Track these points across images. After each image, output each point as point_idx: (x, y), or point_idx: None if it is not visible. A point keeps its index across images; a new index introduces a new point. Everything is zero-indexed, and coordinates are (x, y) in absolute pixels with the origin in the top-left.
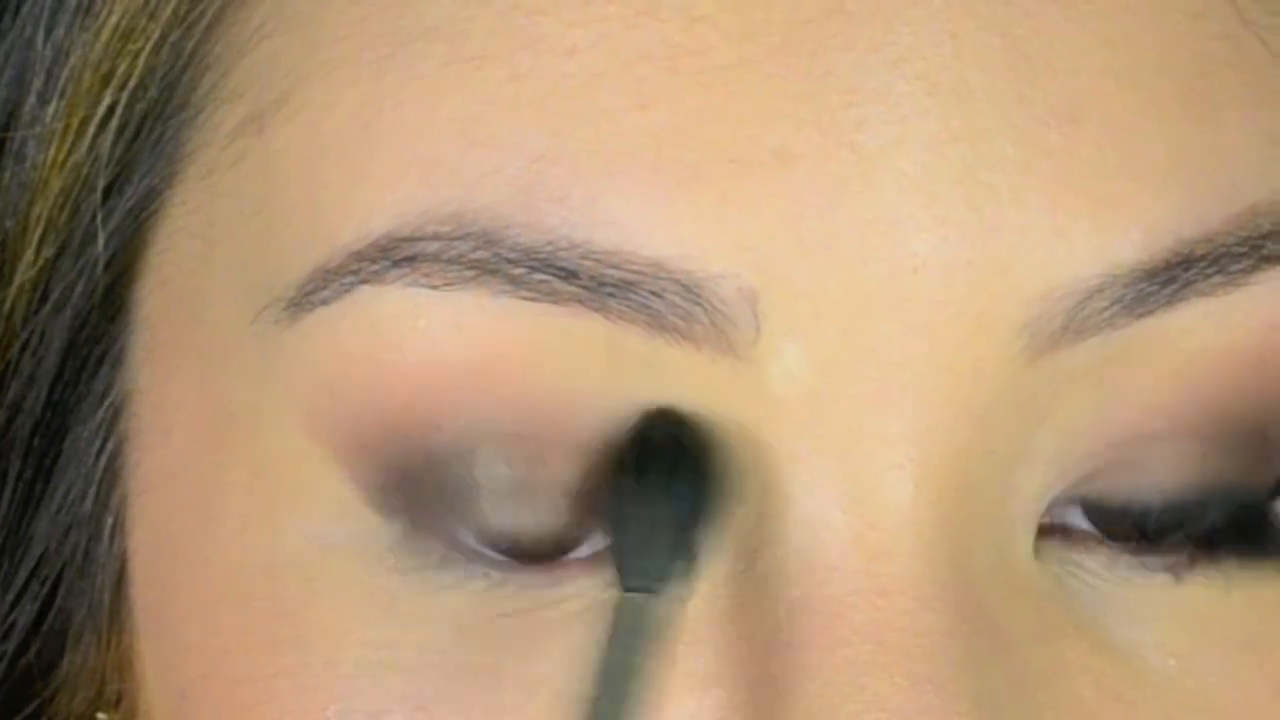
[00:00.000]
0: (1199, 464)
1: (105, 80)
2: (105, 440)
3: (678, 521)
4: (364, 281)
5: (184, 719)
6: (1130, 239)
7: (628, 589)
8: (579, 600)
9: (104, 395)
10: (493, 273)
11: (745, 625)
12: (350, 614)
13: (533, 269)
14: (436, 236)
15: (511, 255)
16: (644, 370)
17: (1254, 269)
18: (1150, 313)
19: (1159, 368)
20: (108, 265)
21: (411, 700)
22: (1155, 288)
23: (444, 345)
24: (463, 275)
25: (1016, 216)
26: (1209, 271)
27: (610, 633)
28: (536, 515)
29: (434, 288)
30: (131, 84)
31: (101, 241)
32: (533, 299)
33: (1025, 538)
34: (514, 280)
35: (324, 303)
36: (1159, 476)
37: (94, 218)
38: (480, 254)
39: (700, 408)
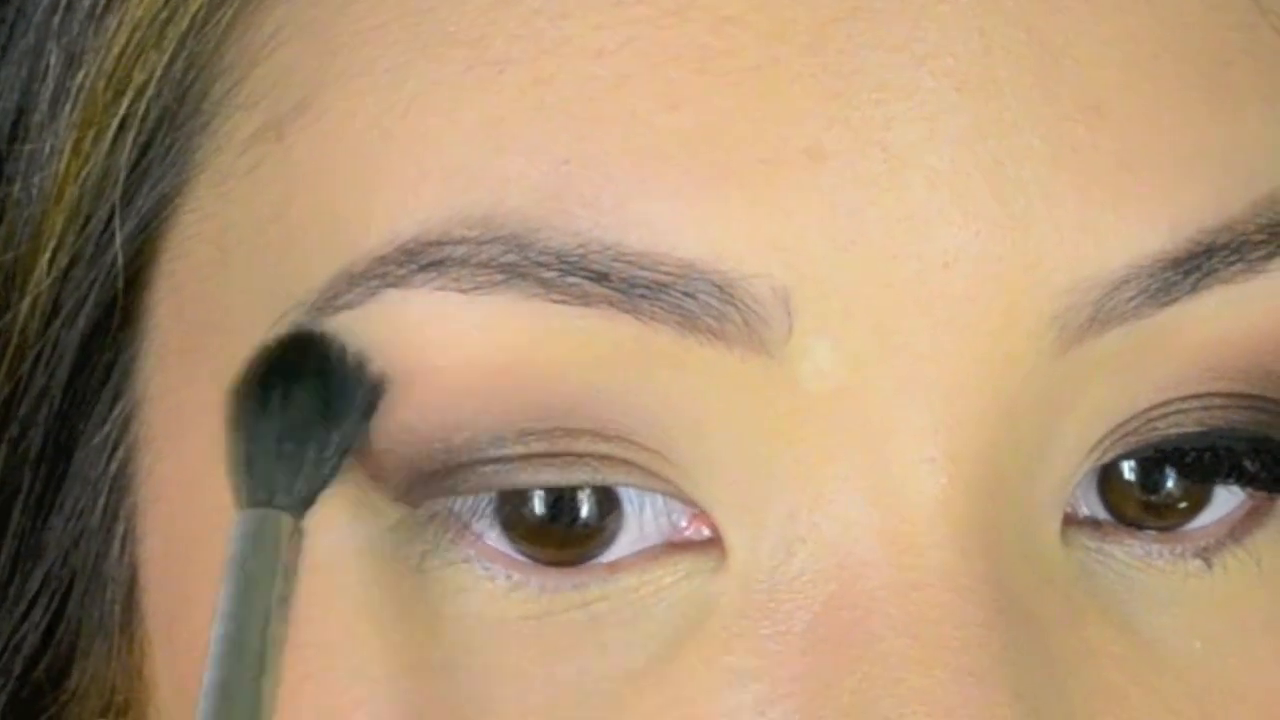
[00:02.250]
0: (1219, 416)
1: (119, 89)
2: (115, 449)
3: (297, 436)
4: (390, 285)
5: None
6: (1155, 230)
7: (250, 504)
8: (604, 603)
9: (113, 404)
10: (523, 276)
11: (782, 621)
12: (374, 617)
13: (564, 272)
14: (464, 240)
15: (542, 259)
16: (673, 370)
17: (1272, 255)
18: (1174, 301)
19: (1180, 355)
20: (121, 273)
21: (438, 702)
22: (1179, 277)
23: (472, 348)
24: (492, 279)
25: (1045, 210)
26: (1230, 259)
27: (235, 550)
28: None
29: (463, 291)
30: (146, 92)
31: (117, 251)
32: (564, 302)
33: (1052, 525)
34: (545, 283)
35: (347, 306)
36: (1181, 430)
37: (106, 228)
38: (510, 257)
39: (731, 406)
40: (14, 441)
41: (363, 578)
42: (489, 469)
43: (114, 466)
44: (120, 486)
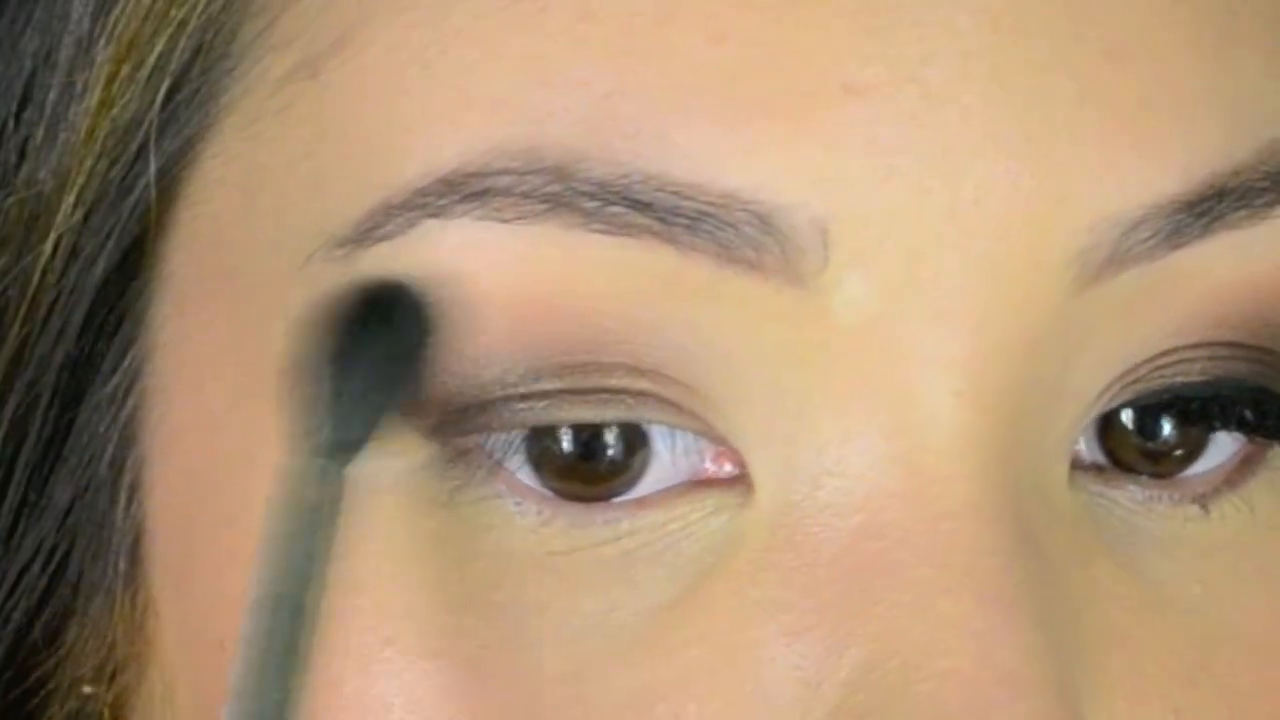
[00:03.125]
0: (1223, 365)
1: (155, 27)
2: (124, 400)
3: (360, 384)
4: (430, 216)
5: (222, 670)
6: (1171, 172)
7: (312, 453)
8: (633, 538)
9: (124, 354)
10: (566, 206)
11: (809, 553)
12: (400, 553)
13: (606, 202)
14: (507, 171)
15: (585, 189)
16: (708, 302)
17: (1276, 202)
18: (1185, 244)
19: (1188, 300)
20: (141, 220)
21: (465, 638)
22: (1191, 220)
23: (510, 279)
24: (535, 209)
25: (1070, 149)
26: (1237, 205)
27: (281, 503)
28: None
29: (505, 221)
30: (180, 35)
31: (139, 194)
32: (606, 231)
33: (1061, 467)
34: (587, 213)
35: (386, 238)
36: (1185, 378)
37: (130, 170)
38: (553, 188)
39: (764, 339)
40: (26, 387)
41: (392, 515)
42: (521, 405)
43: (122, 417)
44: (128, 437)
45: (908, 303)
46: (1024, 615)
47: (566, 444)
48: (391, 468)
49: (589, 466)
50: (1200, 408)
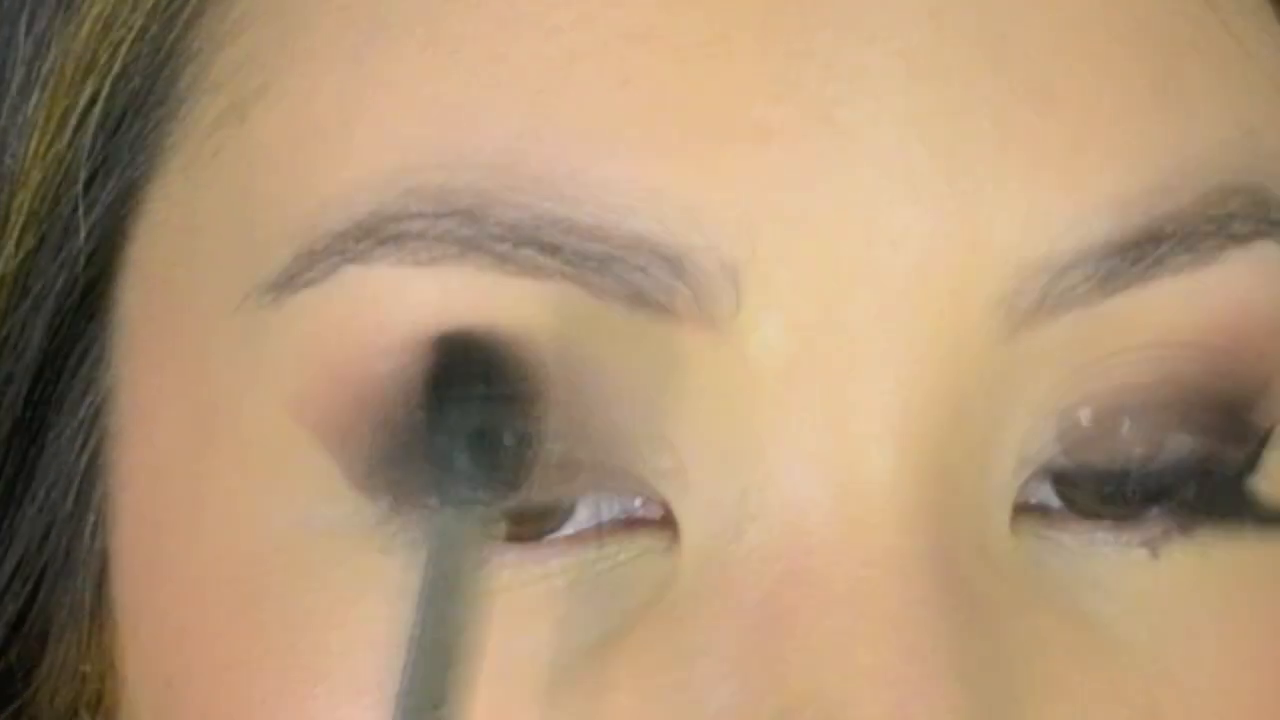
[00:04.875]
0: (1173, 438)
1: (86, 71)
2: (87, 439)
3: (485, 440)
4: (350, 261)
5: (169, 710)
6: (1102, 216)
7: (443, 504)
8: (564, 576)
9: (85, 394)
10: (478, 249)
11: (732, 599)
12: (336, 594)
13: (517, 244)
14: (421, 215)
15: (496, 231)
16: (625, 345)
17: (1221, 248)
18: (1123, 289)
19: (1131, 346)
20: (89, 260)
21: (398, 676)
22: (1126, 264)
23: (429, 321)
24: (448, 252)
25: (993, 192)
26: (1178, 250)
27: (430, 554)
28: (520, 491)
29: (420, 265)
30: (112, 76)
31: (83, 235)
32: (518, 274)
33: (1001, 514)
34: (500, 257)
35: (309, 284)
36: (1134, 450)
37: (74, 210)
38: (466, 231)
39: (683, 383)
40: None
41: (326, 558)
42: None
43: (85, 457)
44: (91, 476)
45: (826, 347)
46: (945, 668)
47: None
48: (329, 510)
49: (516, 509)
50: (1140, 483)
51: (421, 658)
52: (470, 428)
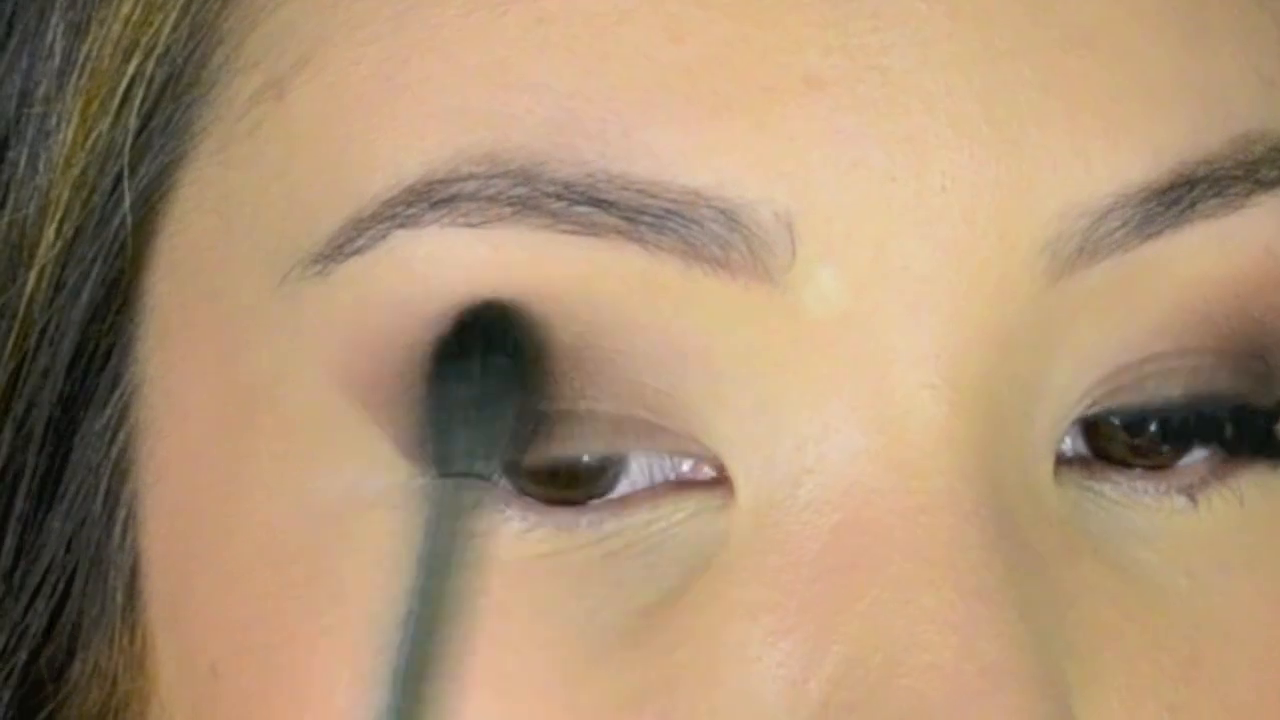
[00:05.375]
0: (1206, 382)
1: (126, 55)
2: (115, 434)
3: (490, 407)
4: (399, 226)
5: (214, 699)
6: (1140, 160)
7: (441, 475)
8: (617, 539)
9: (113, 388)
10: (532, 208)
11: (791, 552)
12: (388, 566)
13: (572, 202)
14: (473, 176)
15: (550, 189)
16: (678, 302)
17: (1250, 193)
18: (1157, 234)
19: (1164, 292)
20: (122, 249)
21: (457, 644)
22: (1161, 209)
23: (482, 283)
24: (501, 212)
25: (1038, 136)
26: (1209, 194)
27: (425, 521)
28: (569, 454)
29: (472, 226)
30: (152, 57)
31: (119, 221)
32: (572, 232)
33: (1046, 463)
34: (553, 214)
35: (357, 252)
36: (1169, 396)
37: (110, 198)
38: (519, 190)
39: (737, 339)
40: (19, 423)
41: (377, 529)
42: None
43: (115, 451)
44: (121, 472)
45: (878, 295)
46: (1006, 607)
47: None
48: (378, 480)
49: (569, 471)
50: (1181, 422)
51: (414, 629)
52: (466, 399)
